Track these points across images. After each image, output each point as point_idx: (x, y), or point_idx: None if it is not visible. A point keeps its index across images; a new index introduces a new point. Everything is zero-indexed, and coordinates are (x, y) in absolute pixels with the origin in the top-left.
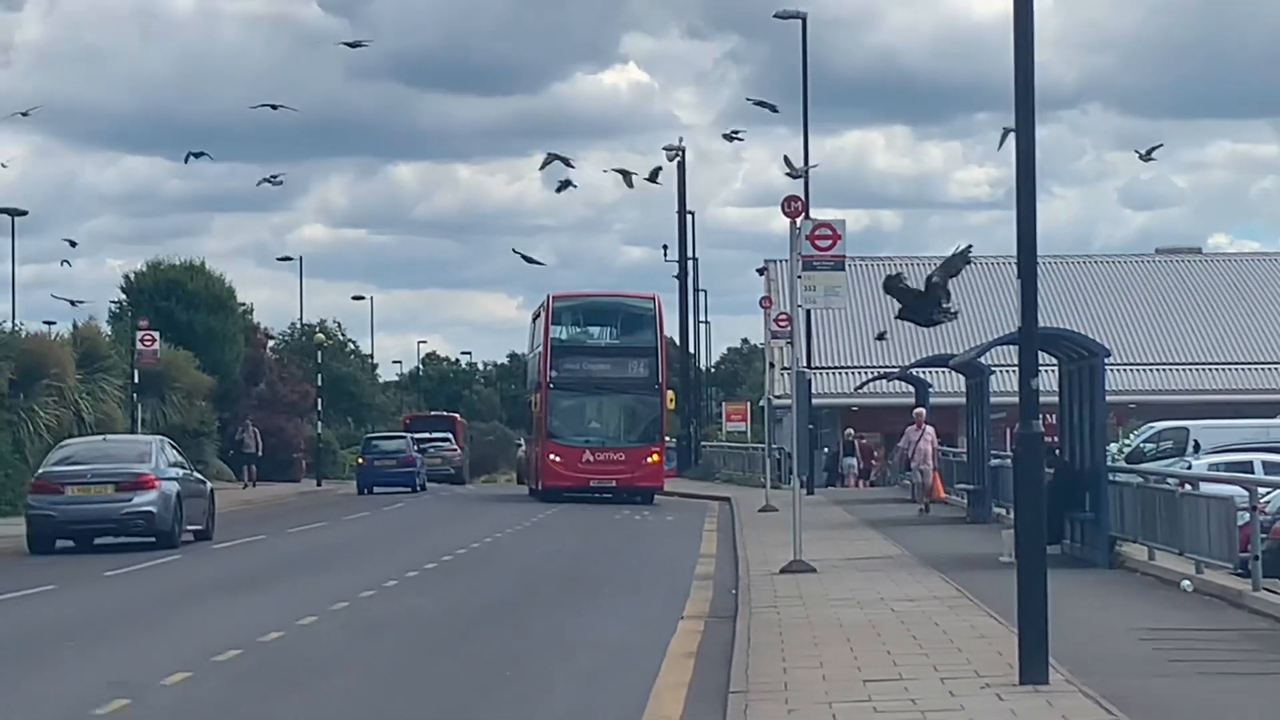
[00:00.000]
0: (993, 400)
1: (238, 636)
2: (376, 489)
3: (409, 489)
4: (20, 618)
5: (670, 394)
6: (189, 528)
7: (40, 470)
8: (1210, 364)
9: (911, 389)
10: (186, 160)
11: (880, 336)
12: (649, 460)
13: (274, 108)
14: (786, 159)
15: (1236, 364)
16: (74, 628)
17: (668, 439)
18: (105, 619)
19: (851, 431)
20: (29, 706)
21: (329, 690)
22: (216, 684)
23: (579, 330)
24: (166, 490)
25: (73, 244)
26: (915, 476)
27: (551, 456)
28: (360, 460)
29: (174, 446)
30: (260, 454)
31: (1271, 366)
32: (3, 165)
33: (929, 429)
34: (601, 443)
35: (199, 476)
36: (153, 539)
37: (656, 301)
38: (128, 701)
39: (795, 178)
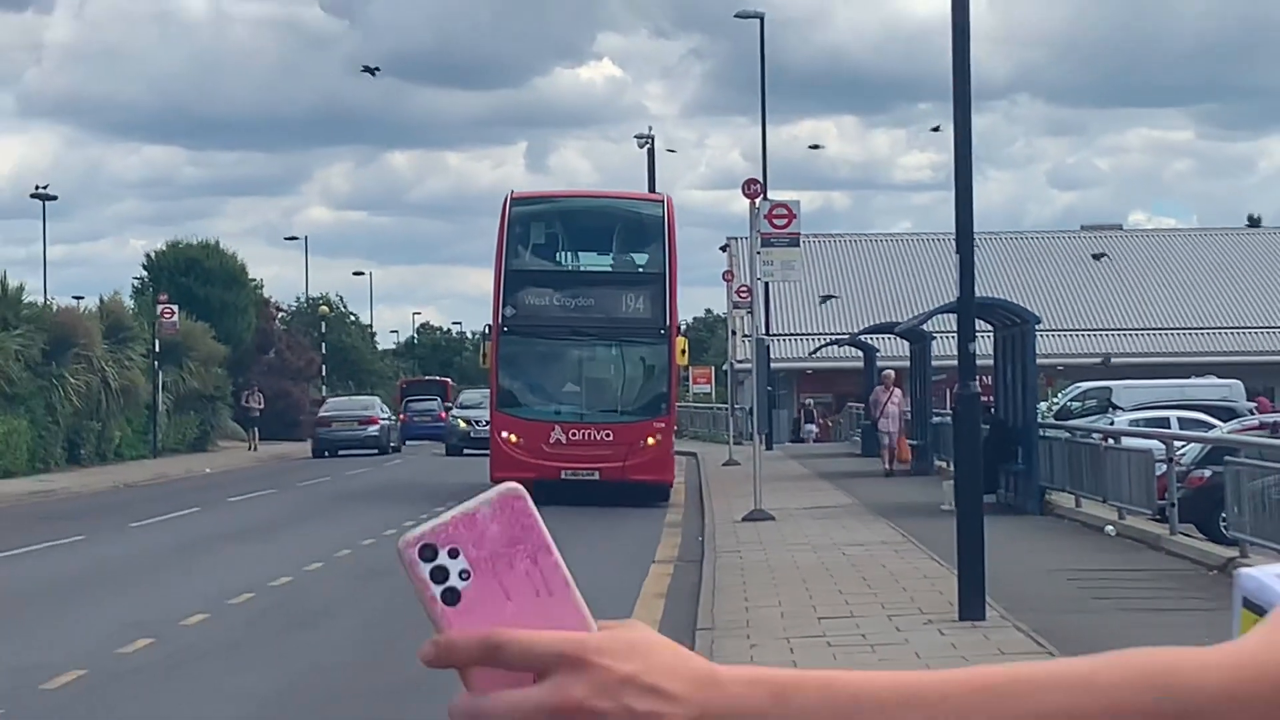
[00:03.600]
0: (934, 363)
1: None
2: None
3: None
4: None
5: (682, 342)
6: (391, 445)
7: (319, 414)
8: (1130, 329)
9: (860, 353)
10: None
11: (825, 299)
12: (649, 441)
13: None
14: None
15: (1153, 329)
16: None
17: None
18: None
19: (810, 401)
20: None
21: (336, 628)
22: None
23: (548, 246)
24: (383, 425)
25: None
26: (882, 439)
27: (504, 434)
28: (402, 417)
29: (383, 402)
30: (262, 416)
31: (1186, 331)
32: None
33: (897, 391)
34: (579, 415)
35: (392, 416)
36: (376, 450)
37: (667, 205)
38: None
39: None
